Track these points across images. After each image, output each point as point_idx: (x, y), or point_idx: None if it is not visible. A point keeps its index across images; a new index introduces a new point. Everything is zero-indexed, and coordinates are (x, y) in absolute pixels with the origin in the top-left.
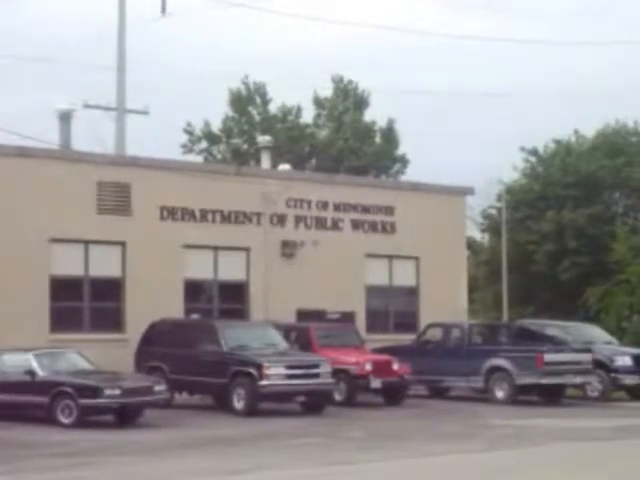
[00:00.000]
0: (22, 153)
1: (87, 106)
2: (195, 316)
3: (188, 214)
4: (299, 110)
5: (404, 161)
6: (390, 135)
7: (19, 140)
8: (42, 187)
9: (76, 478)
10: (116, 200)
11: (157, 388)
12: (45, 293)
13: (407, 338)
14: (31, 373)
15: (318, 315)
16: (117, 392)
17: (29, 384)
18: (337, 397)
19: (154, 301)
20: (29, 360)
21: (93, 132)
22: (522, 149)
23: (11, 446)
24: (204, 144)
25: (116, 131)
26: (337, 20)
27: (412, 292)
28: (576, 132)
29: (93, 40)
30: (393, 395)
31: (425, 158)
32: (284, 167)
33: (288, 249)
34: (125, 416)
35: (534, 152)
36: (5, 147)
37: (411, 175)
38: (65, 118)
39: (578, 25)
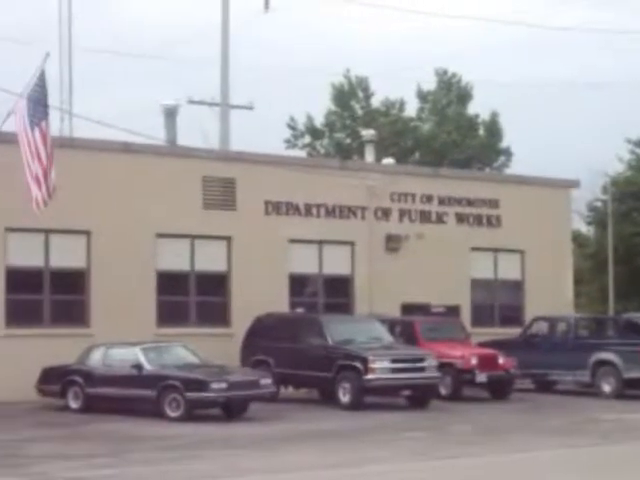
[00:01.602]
0: (128, 149)
1: (192, 102)
2: (300, 310)
3: (293, 208)
4: (402, 104)
5: (508, 154)
6: (493, 128)
7: (125, 136)
8: (148, 183)
9: (182, 471)
10: (221, 195)
11: (263, 382)
12: (152, 288)
13: (512, 332)
14: (138, 367)
15: (423, 309)
16: (223, 386)
17: (136, 378)
18: (442, 391)
19: (259, 295)
20: (136, 354)
21: (198, 128)
22: (628, 141)
23: (119, 439)
24: (307, 139)
25: (220, 126)
26: (441, 13)
27: (517, 286)
28: None
29: (197, 37)
30: (499, 389)
31: (529, 151)
32: (388, 161)
33: (393, 243)
34: (231, 410)
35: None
36: (112, 143)
37: (515, 168)
38: (170, 114)
39: None
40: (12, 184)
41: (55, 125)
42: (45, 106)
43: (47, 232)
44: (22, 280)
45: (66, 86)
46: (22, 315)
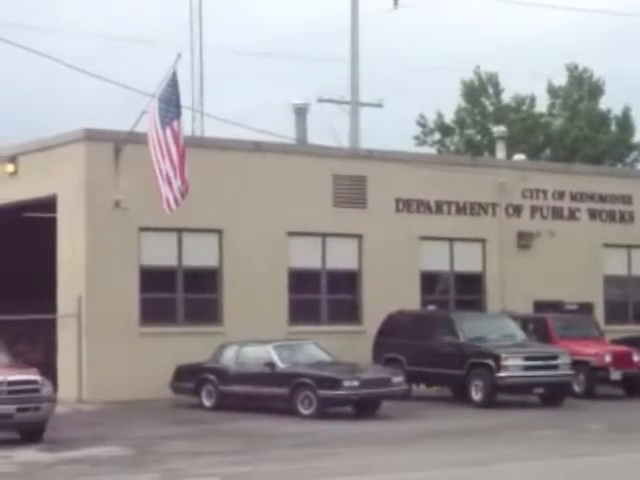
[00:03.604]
0: (259, 148)
1: (321, 100)
2: (432, 307)
3: (423, 206)
4: (533, 99)
5: None
6: (626, 123)
7: (256, 135)
8: (279, 181)
9: (314, 469)
10: (352, 193)
11: (395, 380)
12: (284, 286)
13: None
14: (271, 365)
15: (555, 306)
16: (356, 384)
17: (269, 376)
18: (576, 389)
19: (390, 293)
20: (269, 352)
21: (328, 126)
22: None
23: (253, 437)
24: (437, 136)
25: (350, 124)
26: (571, 7)
27: None
28: None
29: (327, 35)
30: (633, 387)
31: None
32: (519, 157)
33: (524, 240)
34: (363, 408)
35: None
36: (243, 142)
37: None
38: (300, 113)
39: None
40: (145, 184)
41: (187, 125)
42: (177, 106)
43: (180, 231)
44: (156, 279)
45: (197, 86)
46: (156, 314)
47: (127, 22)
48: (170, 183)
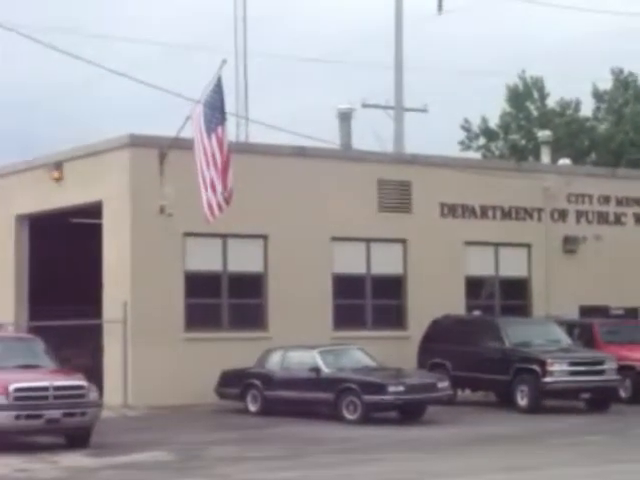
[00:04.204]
0: (304, 153)
1: (365, 105)
2: (477, 313)
3: (468, 211)
4: (578, 104)
5: None
6: None
7: (301, 140)
8: (324, 186)
9: (362, 474)
10: (397, 198)
11: (440, 385)
12: (328, 291)
13: None
14: (316, 370)
15: (601, 311)
16: (401, 389)
17: (314, 381)
18: (622, 394)
19: (435, 298)
20: (314, 357)
21: (372, 131)
22: None
23: (298, 442)
24: (482, 140)
25: (395, 129)
26: (616, 10)
27: None
28: None
29: (371, 40)
30: None
31: None
32: (564, 162)
33: (570, 245)
34: (408, 413)
35: None
36: (287, 148)
37: None
38: (345, 118)
39: None
40: (190, 190)
41: (231, 131)
42: (222, 112)
43: (224, 237)
44: (200, 284)
45: (242, 91)
46: (201, 319)
47: (172, 29)
48: (214, 190)
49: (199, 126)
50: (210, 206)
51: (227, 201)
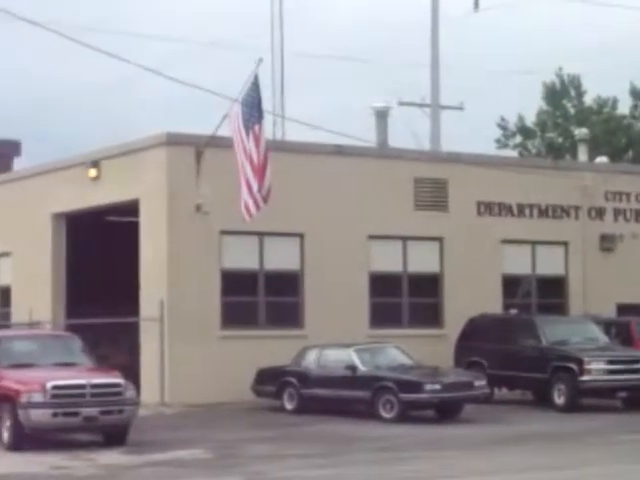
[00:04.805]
0: (340, 151)
1: (402, 104)
2: (514, 311)
3: (505, 209)
4: (615, 102)
5: None
6: None
7: (337, 138)
8: (360, 185)
9: (399, 472)
10: (433, 196)
11: (477, 383)
12: (365, 289)
13: None
14: (352, 368)
15: (639, 309)
16: (437, 387)
17: (350, 379)
18: None
19: (472, 296)
20: (350, 355)
21: (409, 129)
22: None
23: (334, 440)
24: (518, 138)
25: (431, 127)
26: None
27: None
28: None
29: (407, 37)
30: None
31: None
32: (601, 160)
33: (607, 243)
34: (445, 411)
35: None
36: (324, 146)
37: None
38: (382, 116)
39: None
40: (226, 188)
41: (268, 129)
42: (259, 110)
43: (261, 235)
44: (237, 282)
45: (278, 90)
46: (237, 317)
47: (209, 26)
48: (251, 188)
49: (238, 125)
50: (247, 206)
51: (265, 199)
